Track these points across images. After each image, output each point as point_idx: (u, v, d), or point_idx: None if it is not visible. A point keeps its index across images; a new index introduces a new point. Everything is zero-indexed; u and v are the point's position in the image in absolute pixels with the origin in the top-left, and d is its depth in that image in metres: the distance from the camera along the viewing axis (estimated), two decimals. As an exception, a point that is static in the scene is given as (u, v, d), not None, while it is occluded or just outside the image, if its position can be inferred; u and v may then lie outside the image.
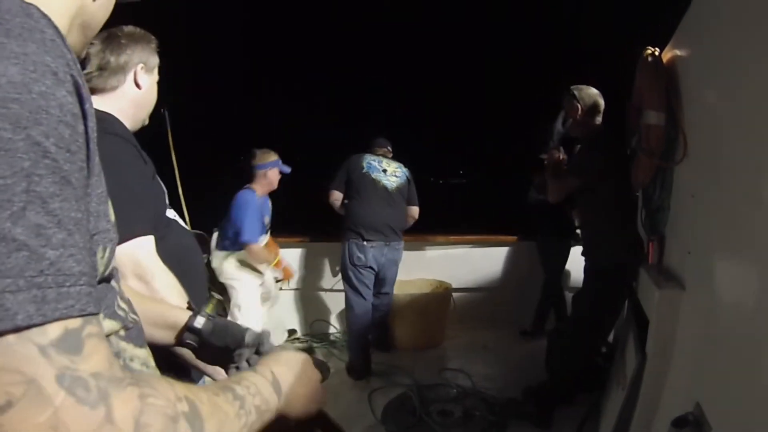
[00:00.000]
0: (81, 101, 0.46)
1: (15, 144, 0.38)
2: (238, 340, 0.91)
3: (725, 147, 1.45)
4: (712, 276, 1.46)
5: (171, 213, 1.52)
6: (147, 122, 1.54)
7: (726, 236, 1.38)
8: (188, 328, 0.93)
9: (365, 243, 3.60)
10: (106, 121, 1.33)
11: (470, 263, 4.67)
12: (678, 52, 2.05)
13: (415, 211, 3.93)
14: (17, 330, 0.36)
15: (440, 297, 4.28)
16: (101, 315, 0.54)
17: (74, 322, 0.40)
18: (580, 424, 2.68)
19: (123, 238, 1.20)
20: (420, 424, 2.83)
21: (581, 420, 2.71)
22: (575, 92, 2.66)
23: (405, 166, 3.91)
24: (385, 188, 3.70)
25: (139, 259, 1.24)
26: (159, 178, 1.48)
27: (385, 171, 3.75)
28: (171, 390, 0.48)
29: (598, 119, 2.65)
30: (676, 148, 1.96)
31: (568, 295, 3.89)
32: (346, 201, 3.75)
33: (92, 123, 0.48)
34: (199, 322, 0.93)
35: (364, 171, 3.69)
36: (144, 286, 1.23)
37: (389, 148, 3.99)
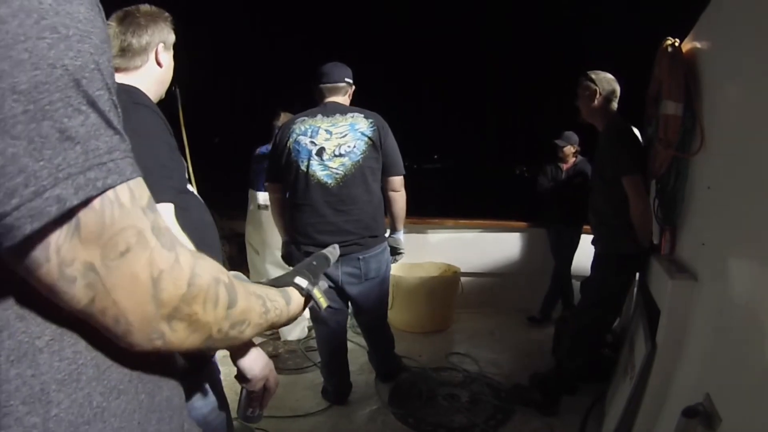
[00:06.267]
0: None
1: (94, 75, 0.46)
2: None
3: (743, 139, 1.44)
4: (726, 268, 1.47)
5: (190, 187, 1.55)
6: (163, 96, 1.59)
7: (741, 228, 1.38)
8: None
9: (304, 255, 2.49)
10: (134, 93, 1.38)
11: (479, 248, 4.67)
12: (698, 44, 2.03)
13: (395, 183, 2.63)
14: (125, 181, 0.48)
15: (448, 281, 4.25)
16: None
17: (147, 190, 0.52)
18: (586, 412, 2.71)
19: None
20: (426, 408, 2.86)
21: (587, 408, 2.74)
22: (593, 76, 2.59)
23: (369, 116, 2.54)
24: (323, 186, 2.48)
25: None
26: (179, 152, 1.52)
27: (321, 153, 2.46)
28: (215, 263, 0.60)
29: (615, 105, 2.59)
30: (693, 139, 1.95)
31: (576, 283, 3.92)
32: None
33: None
34: None
35: (292, 158, 2.50)
36: None
37: (347, 81, 2.62)
